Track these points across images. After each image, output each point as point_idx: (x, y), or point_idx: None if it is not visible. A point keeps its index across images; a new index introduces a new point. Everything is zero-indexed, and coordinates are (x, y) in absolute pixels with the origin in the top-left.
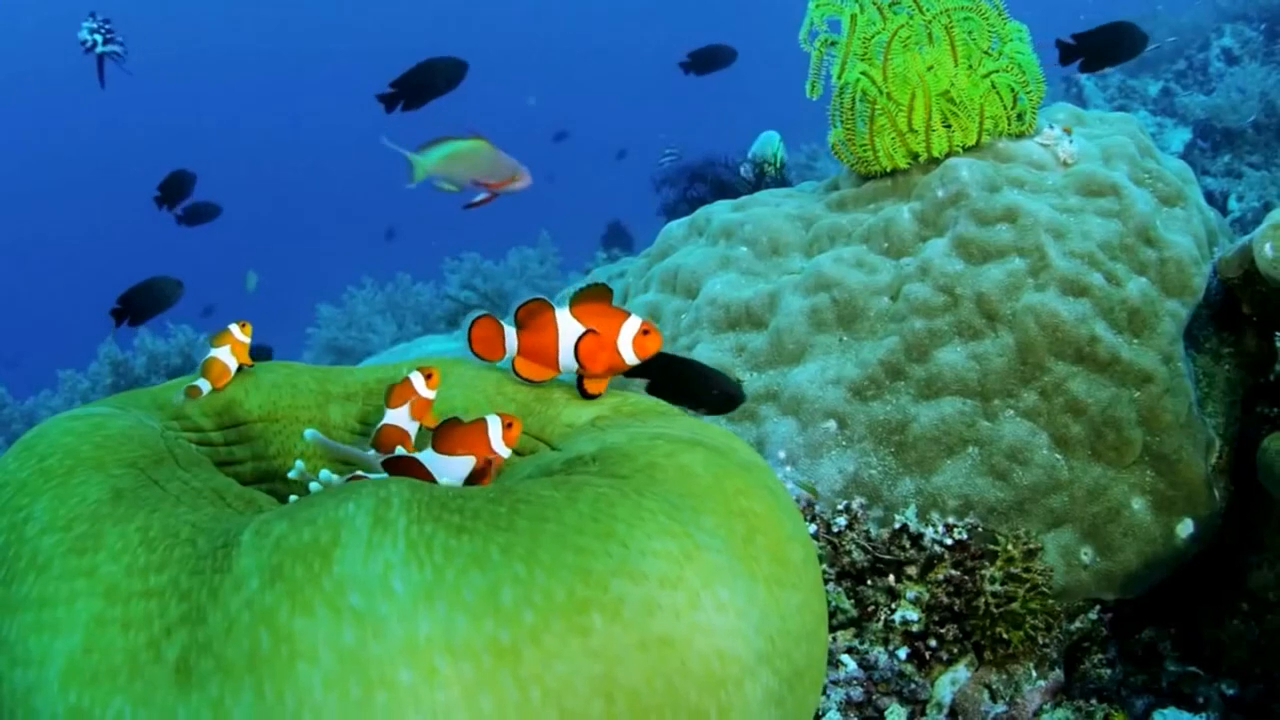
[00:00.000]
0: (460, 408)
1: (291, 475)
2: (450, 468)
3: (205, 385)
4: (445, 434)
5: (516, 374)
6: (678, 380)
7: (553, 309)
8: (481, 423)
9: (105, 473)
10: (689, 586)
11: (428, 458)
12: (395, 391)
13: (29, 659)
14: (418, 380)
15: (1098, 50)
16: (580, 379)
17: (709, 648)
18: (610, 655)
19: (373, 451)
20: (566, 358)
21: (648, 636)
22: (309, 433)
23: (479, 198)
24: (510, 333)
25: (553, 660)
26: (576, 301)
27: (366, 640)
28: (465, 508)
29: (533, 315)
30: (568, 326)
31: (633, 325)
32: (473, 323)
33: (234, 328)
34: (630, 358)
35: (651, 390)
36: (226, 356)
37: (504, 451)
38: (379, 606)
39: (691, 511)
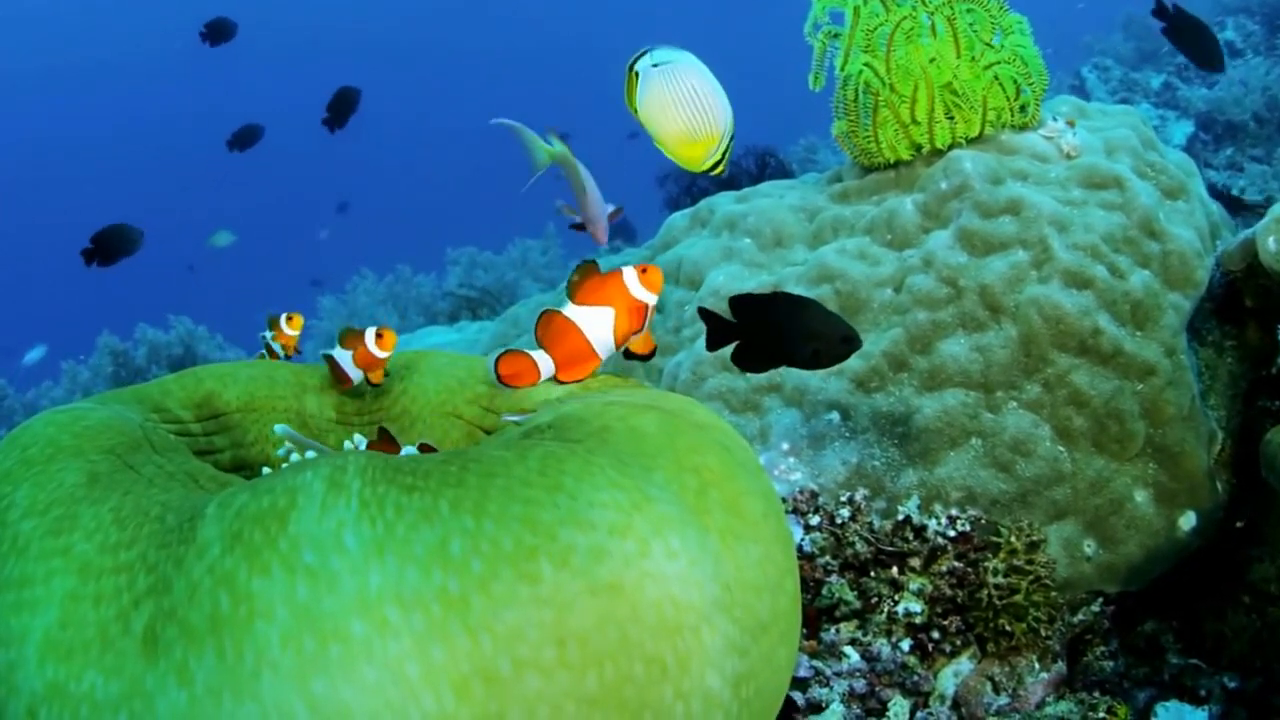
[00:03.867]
0: (433, 393)
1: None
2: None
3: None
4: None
5: (563, 385)
6: (798, 315)
7: (560, 313)
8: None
9: (83, 459)
10: (638, 534)
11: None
12: (348, 336)
13: (10, 638)
14: (369, 336)
15: None
16: (625, 350)
17: (660, 594)
18: (560, 602)
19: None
20: (605, 340)
21: (596, 583)
22: (279, 427)
23: (575, 218)
24: (540, 356)
25: (502, 608)
26: (574, 291)
27: (320, 595)
28: (418, 469)
29: (549, 327)
30: (585, 316)
31: (631, 274)
32: (498, 360)
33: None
34: (650, 298)
35: (756, 332)
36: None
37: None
38: (331, 562)
39: (642, 468)
